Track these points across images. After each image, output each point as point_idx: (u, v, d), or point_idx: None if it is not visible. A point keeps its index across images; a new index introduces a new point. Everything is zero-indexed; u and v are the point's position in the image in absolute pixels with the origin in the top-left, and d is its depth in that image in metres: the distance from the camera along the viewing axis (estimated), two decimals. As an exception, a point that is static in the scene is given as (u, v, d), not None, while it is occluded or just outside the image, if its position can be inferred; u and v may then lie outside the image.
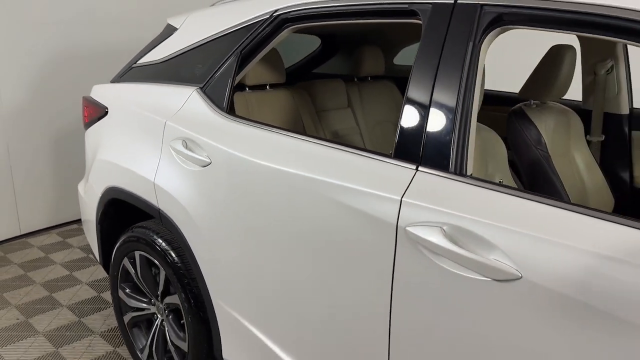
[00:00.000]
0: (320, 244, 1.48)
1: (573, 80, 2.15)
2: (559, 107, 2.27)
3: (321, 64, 3.58)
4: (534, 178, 2.08)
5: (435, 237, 1.21)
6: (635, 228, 1.01)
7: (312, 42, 3.58)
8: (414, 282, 1.27)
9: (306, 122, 2.45)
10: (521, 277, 1.09)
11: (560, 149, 2.15)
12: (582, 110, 2.42)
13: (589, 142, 2.36)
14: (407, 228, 1.26)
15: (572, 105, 2.41)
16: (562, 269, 1.05)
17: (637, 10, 1.09)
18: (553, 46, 2.12)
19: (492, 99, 2.68)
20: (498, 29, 1.31)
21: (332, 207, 1.43)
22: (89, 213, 2.48)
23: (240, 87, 2.32)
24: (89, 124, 2.51)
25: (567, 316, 1.04)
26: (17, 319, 2.87)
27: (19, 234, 3.93)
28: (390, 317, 1.34)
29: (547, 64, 2.11)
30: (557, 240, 1.07)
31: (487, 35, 1.32)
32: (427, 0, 1.42)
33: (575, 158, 2.20)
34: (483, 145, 1.80)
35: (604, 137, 2.40)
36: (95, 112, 2.44)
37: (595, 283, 1.02)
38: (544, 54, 2.12)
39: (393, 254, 1.30)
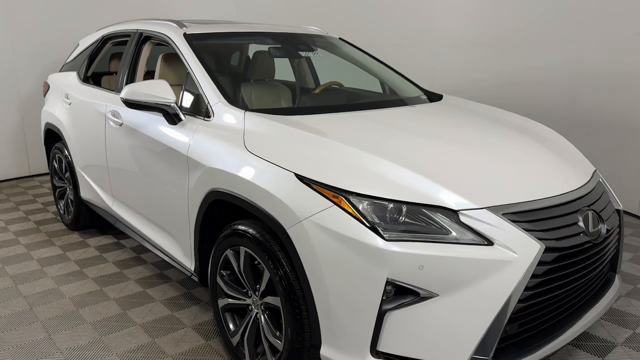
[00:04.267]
0: (95, 131, 3.67)
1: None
2: (273, 83, 4.30)
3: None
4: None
5: (109, 114, 3.39)
6: None
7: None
8: (110, 127, 3.44)
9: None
10: (122, 124, 3.25)
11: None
12: (294, 85, 4.45)
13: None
14: (105, 113, 3.45)
15: (287, 83, 4.44)
16: (128, 116, 3.20)
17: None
18: (255, 52, 4.18)
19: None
20: (148, 42, 3.48)
21: (96, 112, 3.63)
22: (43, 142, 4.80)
23: (110, 73, 4.54)
24: (45, 94, 4.83)
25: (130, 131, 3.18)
26: (18, 209, 5.23)
27: (28, 174, 6.36)
28: (105, 145, 3.52)
29: (252, 62, 4.16)
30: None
31: (144, 44, 3.48)
32: (131, 30, 3.62)
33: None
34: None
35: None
36: (46, 88, 4.77)
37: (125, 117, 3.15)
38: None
39: (104, 123, 3.48)
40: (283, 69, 4.30)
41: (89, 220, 4.39)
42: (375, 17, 6.56)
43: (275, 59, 3.92)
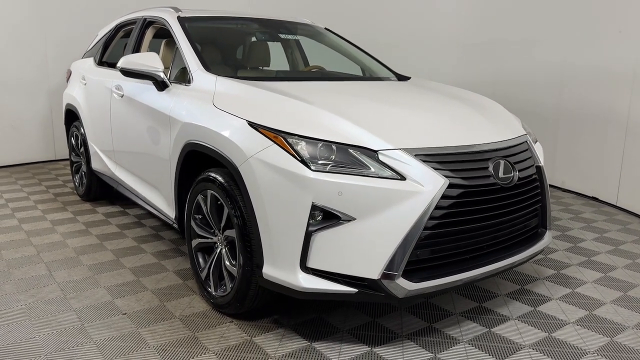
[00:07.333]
0: (103, 104, 4.14)
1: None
2: (263, 70, 4.73)
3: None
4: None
5: (114, 88, 3.85)
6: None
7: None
8: (114, 99, 3.90)
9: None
10: (123, 95, 3.70)
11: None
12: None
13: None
14: (111, 88, 3.91)
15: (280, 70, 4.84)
16: (128, 87, 3.64)
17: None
18: (252, 42, 4.62)
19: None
20: (151, 26, 3.94)
21: (104, 88, 4.10)
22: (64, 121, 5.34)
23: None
24: (68, 80, 5.37)
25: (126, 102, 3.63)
26: (40, 184, 5.77)
27: (54, 158, 6.94)
28: (110, 116, 3.98)
29: (250, 49, 4.61)
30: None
31: (148, 28, 3.95)
32: (137, 18, 4.09)
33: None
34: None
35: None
36: (68, 74, 5.30)
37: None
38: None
39: (110, 96, 3.95)
40: (282, 60, 4.73)
41: (99, 191, 4.86)
42: (380, 18, 6.95)
43: (274, 53, 4.33)
